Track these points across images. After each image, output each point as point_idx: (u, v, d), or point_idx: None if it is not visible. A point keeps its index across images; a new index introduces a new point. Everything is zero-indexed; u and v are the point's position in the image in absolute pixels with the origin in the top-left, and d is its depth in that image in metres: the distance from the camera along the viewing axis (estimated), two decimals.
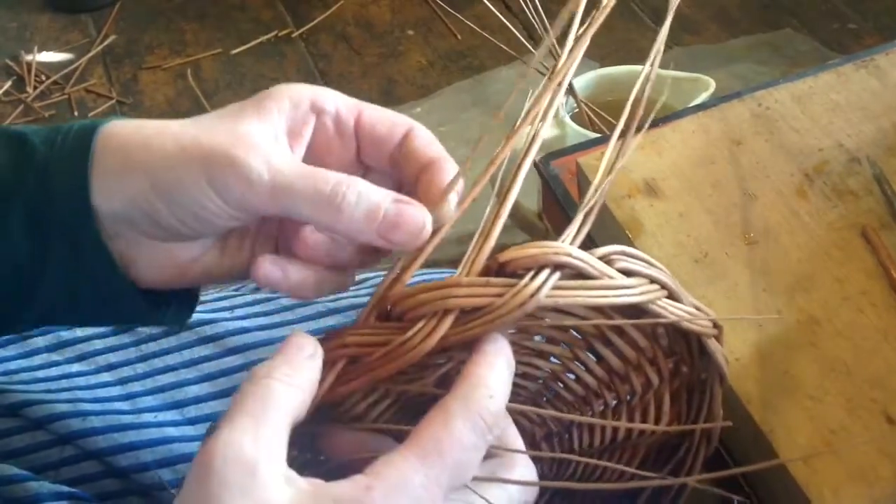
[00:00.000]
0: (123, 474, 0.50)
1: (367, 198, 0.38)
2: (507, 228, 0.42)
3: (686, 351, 0.45)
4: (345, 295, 0.59)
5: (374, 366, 0.37)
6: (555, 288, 0.37)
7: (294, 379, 0.35)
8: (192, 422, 0.53)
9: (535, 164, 0.80)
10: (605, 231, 0.64)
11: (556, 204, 0.71)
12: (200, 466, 0.31)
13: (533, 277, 0.37)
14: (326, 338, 0.39)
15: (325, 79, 1.78)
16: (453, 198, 0.43)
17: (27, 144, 0.39)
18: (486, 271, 0.39)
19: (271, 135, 0.40)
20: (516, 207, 1.12)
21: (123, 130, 0.39)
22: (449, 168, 0.44)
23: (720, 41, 1.76)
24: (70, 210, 0.38)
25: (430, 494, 0.32)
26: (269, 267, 0.40)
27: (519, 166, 0.43)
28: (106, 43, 1.89)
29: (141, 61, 1.86)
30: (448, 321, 0.37)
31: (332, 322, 0.57)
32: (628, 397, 0.47)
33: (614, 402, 0.47)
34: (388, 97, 1.71)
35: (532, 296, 0.37)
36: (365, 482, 0.32)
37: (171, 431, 0.52)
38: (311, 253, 0.41)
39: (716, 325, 0.43)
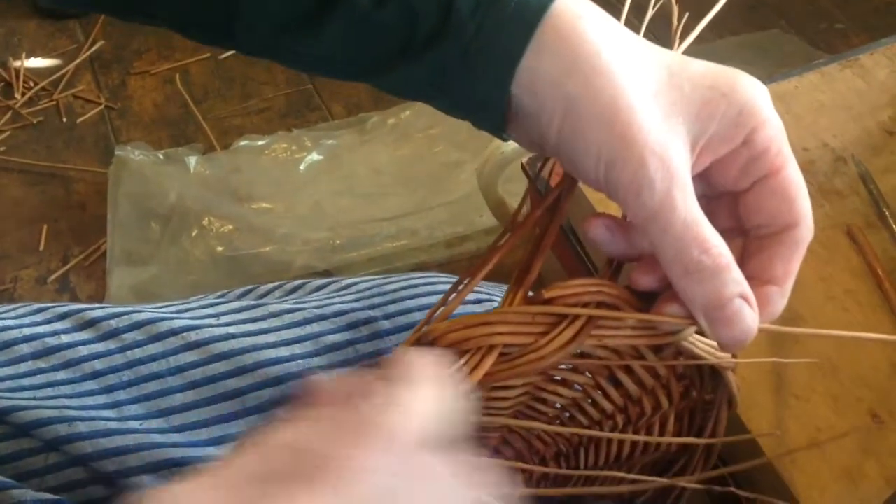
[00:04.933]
0: (109, 480, 0.50)
1: (721, 283, 0.36)
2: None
3: (697, 375, 0.45)
4: (332, 301, 0.59)
5: None
6: (597, 327, 0.37)
7: None
8: (178, 430, 0.53)
9: (521, 166, 0.80)
10: None
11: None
12: None
13: (577, 316, 0.37)
14: (363, 369, 0.38)
15: (315, 83, 1.78)
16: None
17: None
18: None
19: (689, 143, 0.37)
20: (493, 195, 1.12)
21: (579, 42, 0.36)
22: (796, 259, 0.39)
23: (707, 42, 1.77)
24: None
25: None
26: (601, 229, 0.39)
27: (555, 207, 0.42)
28: (94, 48, 1.88)
29: (129, 66, 1.86)
30: (492, 357, 0.36)
31: (320, 328, 0.57)
32: (636, 418, 0.47)
33: (622, 423, 0.47)
34: (378, 100, 1.71)
35: (576, 335, 0.37)
36: None
37: (158, 438, 0.52)
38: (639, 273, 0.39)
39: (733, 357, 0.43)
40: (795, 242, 0.38)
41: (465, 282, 0.42)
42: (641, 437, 0.47)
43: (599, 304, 0.38)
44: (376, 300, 0.58)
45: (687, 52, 0.42)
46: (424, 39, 0.38)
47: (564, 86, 0.36)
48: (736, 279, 0.36)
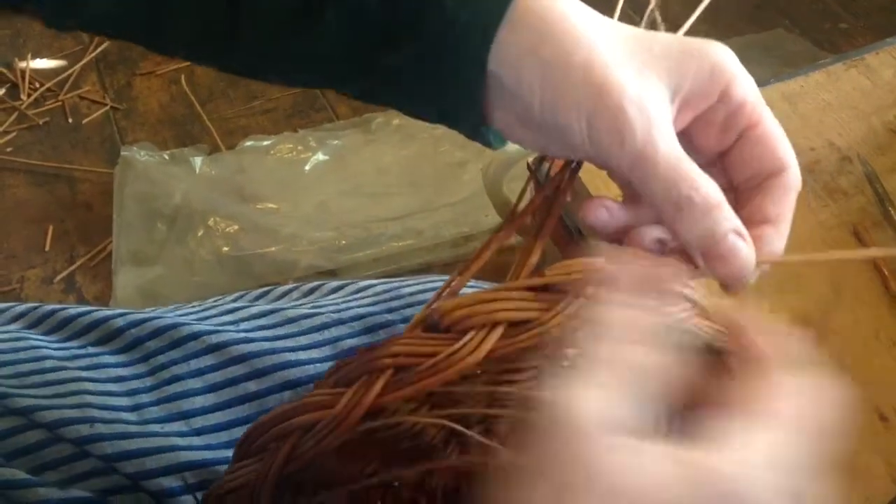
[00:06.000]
0: (130, 479, 0.51)
1: (713, 221, 0.37)
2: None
3: None
4: (351, 305, 0.59)
5: (422, 376, 0.37)
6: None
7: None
8: (198, 432, 0.54)
9: (527, 165, 0.80)
10: None
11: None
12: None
13: (580, 293, 0.37)
14: (373, 347, 0.38)
15: None
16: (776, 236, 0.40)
17: None
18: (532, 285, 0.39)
19: (666, 97, 0.38)
20: (498, 195, 1.12)
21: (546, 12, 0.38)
22: (789, 200, 0.40)
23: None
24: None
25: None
26: (599, 210, 0.41)
27: (556, 193, 0.43)
28: (99, 49, 1.89)
29: (135, 67, 1.86)
30: (497, 333, 0.37)
31: (337, 333, 0.57)
32: None
33: None
34: None
35: (580, 310, 0.37)
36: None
37: (177, 441, 0.52)
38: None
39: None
40: (784, 187, 0.40)
41: (470, 264, 0.42)
42: None
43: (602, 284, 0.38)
44: (393, 304, 0.59)
45: None
46: (406, 23, 0.39)
47: (539, 53, 0.38)
48: (728, 216, 0.37)
